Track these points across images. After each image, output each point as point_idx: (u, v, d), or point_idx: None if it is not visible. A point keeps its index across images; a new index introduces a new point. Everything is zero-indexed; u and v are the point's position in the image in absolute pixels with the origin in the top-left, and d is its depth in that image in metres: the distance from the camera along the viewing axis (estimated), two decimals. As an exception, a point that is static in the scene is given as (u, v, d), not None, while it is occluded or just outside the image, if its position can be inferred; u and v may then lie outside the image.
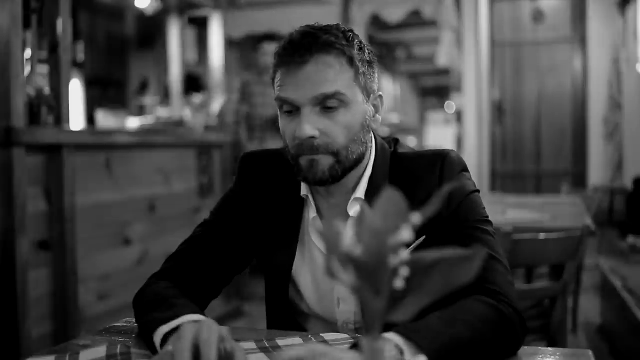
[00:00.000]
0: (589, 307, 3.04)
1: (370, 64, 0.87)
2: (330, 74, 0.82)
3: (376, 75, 0.89)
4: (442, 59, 5.17)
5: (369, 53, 0.88)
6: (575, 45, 5.56)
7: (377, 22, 5.52)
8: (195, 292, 0.91)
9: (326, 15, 5.46)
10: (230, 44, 5.17)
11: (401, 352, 0.65)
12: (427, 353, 0.65)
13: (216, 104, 3.08)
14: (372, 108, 0.88)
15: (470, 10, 5.29)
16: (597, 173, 5.35)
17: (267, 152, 1.01)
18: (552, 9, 5.61)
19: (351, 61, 0.84)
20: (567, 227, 1.67)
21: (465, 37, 5.28)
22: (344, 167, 0.85)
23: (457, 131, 5.47)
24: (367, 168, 0.90)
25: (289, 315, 0.96)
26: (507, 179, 5.78)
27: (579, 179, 5.50)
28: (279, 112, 0.88)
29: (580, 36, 5.52)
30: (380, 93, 0.90)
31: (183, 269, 0.93)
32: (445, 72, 5.49)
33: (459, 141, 5.45)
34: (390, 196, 0.44)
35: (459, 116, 5.48)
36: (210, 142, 2.94)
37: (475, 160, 5.34)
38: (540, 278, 2.39)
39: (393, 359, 0.62)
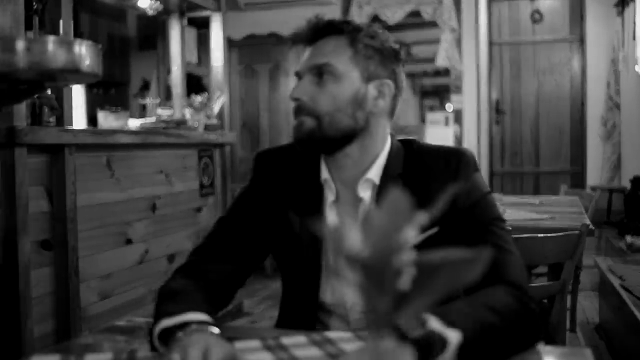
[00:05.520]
0: (587, 306, 3.05)
1: (380, 52, 0.94)
2: (326, 49, 0.93)
3: (389, 66, 0.95)
4: (442, 59, 5.18)
5: (383, 43, 0.94)
6: (573, 46, 5.58)
7: (377, 23, 5.54)
8: (219, 284, 0.95)
9: (326, 16, 5.46)
10: (231, 44, 5.18)
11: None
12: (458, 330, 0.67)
13: (216, 104, 3.09)
14: (374, 92, 0.94)
15: (469, 10, 5.30)
16: (595, 173, 5.36)
17: (280, 148, 1.06)
18: (550, 10, 5.62)
19: (352, 42, 0.93)
20: (565, 227, 1.68)
21: (464, 37, 5.29)
22: (326, 133, 0.92)
23: (456, 131, 5.48)
24: (381, 154, 0.95)
25: (312, 309, 0.96)
26: (505, 179, 5.80)
27: (577, 179, 5.51)
28: None
29: (578, 37, 5.53)
30: (388, 82, 0.95)
31: (206, 262, 0.96)
32: (444, 72, 5.50)
33: (458, 141, 5.46)
34: (397, 196, 0.45)
35: (458, 116, 5.49)
36: (211, 142, 2.95)
37: (474, 160, 5.35)
38: (539, 277, 2.40)
39: (418, 329, 0.63)
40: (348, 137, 0.93)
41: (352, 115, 0.92)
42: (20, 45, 1.13)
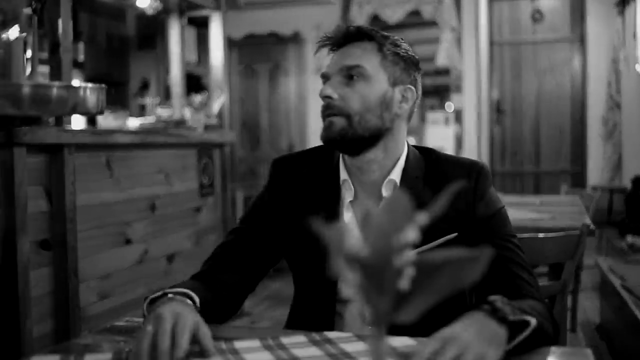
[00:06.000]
0: (588, 306, 3.05)
1: (404, 59, 1.00)
2: (356, 52, 0.98)
3: (412, 73, 1.02)
4: (442, 59, 5.18)
5: (406, 52, 1.01)
6: (574, 45, 5.57)
7: (376, 22, 5.53)
8: (230, 290, 1.01)
9: (326, 16, 5.45)
10: (231, 44, 5.17)
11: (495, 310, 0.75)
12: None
13: (216, 104, 3.09)
14: (399, 96, 1.00)
15: (470, 10, 5.30)
16: (596, 172, 5.35)
17: (297, 154, 1.11)
18: (551, 9, 5.62)
19: (380, 48, 0.99)
20: (566, 227, 1.67)
21: (464, 37, 5.28)
22: (355, 132, 0.96)
23: (456, 131, 5.48)
24: (401, 157, 1.01)
25: (330, 302, 1.00)
26: (506, 179, 5.79)
27: (577, 179, 5.51)
28: None
29: (579, 36, 5.52)
30: (411, 87, 1.01)
31: (218, 272, 1.01)
32: (444, 72, 5.50)
33: (459, 141, 5.46)
34: (397, 197, 0.44)
35: (458, 116, 5.48)
36: (211, 141, 2.94)
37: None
38: (540, 277, 2.39)
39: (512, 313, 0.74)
40: (375, 137, 0.98)
41: (380, 115, 0.98)
42: (26, 91, 1.10)
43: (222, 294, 0.98)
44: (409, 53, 1.02)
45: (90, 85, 1.18)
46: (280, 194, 1.05)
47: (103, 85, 1.23)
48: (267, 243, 1.04)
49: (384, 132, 0.98)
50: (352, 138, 0.96)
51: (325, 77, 1.00)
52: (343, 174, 1.02)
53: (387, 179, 1.00)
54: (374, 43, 0.99)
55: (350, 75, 0.97)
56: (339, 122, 0.96)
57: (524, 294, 0.91)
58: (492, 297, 0.77)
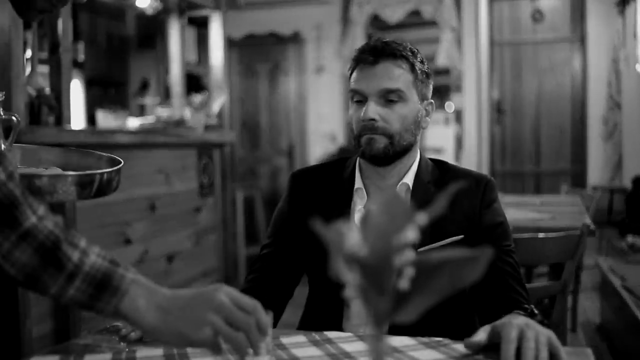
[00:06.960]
0: (589, 306, 3.05)
1: (427, 75, 1.07)
2: (394, 74, 1.03)
3: (430, 86, 1.10)
4: (442, 59, 5.18)
5: (427, 67, 1.09)
6: (574, 45, 5.57)
7: (376, 22, 5.52)
8: (273, 300, 1.07)
9: (326, 16, 5.45)
10: (231, 44, 5.17)
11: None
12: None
13: (216, 104, 3.09)
14: (424, 111, 1.08)
15: (470, 10, 5.29)
16: (596, 172, 5.35)
17: (314, 167, 1.18)
18: (551, 9, 5.61)
19: (412, 68, 1.04)
20: (566, 227, 1.67)
21: (464, 36, 5.28)
22: (396, 149, 1.04)
23: (456, 131, 5.47)
24: (414, 163, 1.09)
25: (339, 306, 1.05)
26: (506, 179, 5.79)
27: (578, 179, 5.50)
28: (350, 102, 1.10)
29: (579, 36, 5.52)
30: (432, 101, 1.10)
31: (259, 283, 1.09)
32: (444, 72, 5.50)
33: (459, 141, 5.46)
34: (396, 197, 0.44)
35: (458, 116, 5.47)
36: (211, 141, 2.94)
37: (475, 160, 5.34)
38: (540, 277, 2.39)
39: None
40: (408, 150, 1.06)
41: (413, 132, 1.06)
42: (44, 181, 1.05)
43: (266, 305, 1.04)
44: (430, 68, 1.09)
45: (107, 169, 1.15)
46: (298, 204, 1.11)
47: (120, 165, 1.19)
48: (294, 252, 1.10)
49: (414, 145, 1.07)
50: (392, 155, 1.04)
51: (359, 94, 1.05)
52: (358, 183, 1.09)
53: (400, 182, 1.07)
54: (407, 62, 1.04)
55: (390, 97, 1.02)
56: (382, 140, 1.03)
57: (518, 306, 0.97)
58: (527, 306, 0.92)
